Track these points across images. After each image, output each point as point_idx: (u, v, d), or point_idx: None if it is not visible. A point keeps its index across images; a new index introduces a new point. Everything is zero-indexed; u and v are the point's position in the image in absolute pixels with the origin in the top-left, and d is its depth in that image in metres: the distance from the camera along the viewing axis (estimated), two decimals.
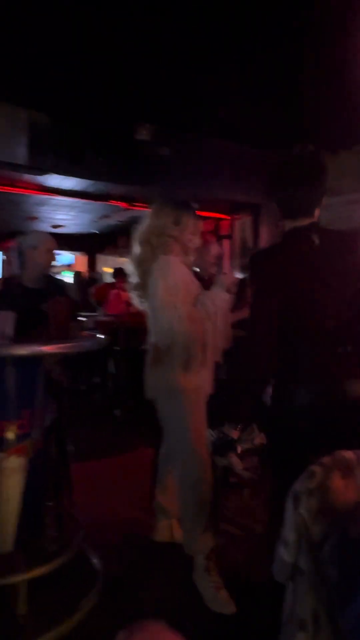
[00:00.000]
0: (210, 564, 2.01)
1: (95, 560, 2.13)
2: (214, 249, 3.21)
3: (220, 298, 2.05)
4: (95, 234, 9.11)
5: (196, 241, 2.09)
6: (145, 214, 2.14)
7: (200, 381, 1.99)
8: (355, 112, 3.60)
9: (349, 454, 1.20)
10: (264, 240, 4.79)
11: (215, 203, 4.90)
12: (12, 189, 4.95)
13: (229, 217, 5.41)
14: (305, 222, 1.59)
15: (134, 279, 2.12)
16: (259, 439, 1.53)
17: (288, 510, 1.04)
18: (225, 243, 5.40)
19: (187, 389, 1.98)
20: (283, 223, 1.62)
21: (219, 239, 5.40)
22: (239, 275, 3.70)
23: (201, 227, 2.15)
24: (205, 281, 2.99)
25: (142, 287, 2.07)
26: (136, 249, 2.08)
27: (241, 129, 4.03)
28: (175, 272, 1.97)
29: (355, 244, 1.62)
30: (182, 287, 1.96)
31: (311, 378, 1.50)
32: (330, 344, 1.48)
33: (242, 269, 3.51)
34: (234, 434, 1.51)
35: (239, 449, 1.52)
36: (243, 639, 1.77)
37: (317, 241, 1.55)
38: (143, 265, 2.04)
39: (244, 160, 4.46)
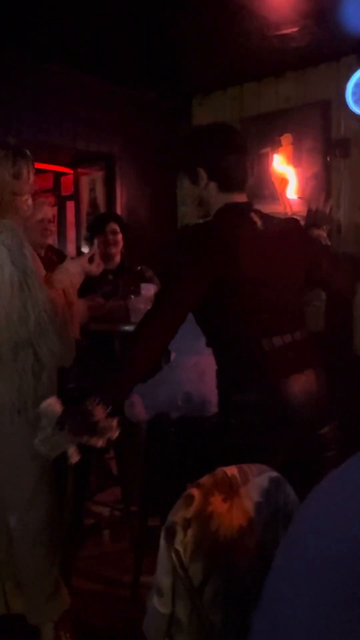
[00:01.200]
0: (62, 634, 2.02)
1: None
2: (48, 212, 3.15)
3: (74, 280, 2.08)
4: None
5: (30, 202, 2.06)
6: None
7: (44, 391, 1.97)
8: (230, 46, 3.81)
9: (231, 470, 1.29)
10: (122, 202, 4.84)
11: (54, 151, 4.80)
12: None
13: (73, 172, 5.35)
14: (240, 198, 1.82)
15: None
16: (114, 432, 1.61)
17: (161, 548, 1.08)
18: (69, 205, 5.34)
19: (26, 404, 1.94)
20: (212, 197, 1.82)
21: (60, 200, 5.32)
22: (88, 250, 3.71)
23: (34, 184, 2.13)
24: (41, 259, 2.93)
25: None
26: None
27: (92, 55, 3.99)
28: (23, 242, 1.93)
29: (294, 232, 1.92)
30: (32, 262, 1.92)
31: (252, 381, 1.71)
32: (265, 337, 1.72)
33: (89, 239, 3.52)
34: (98, 413, 1.56)
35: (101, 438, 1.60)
36: None
37: (259, 223, 1.80)
38: None
39: (94, 96, 4.44)
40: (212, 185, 1.81)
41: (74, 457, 1.58)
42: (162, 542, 1.08)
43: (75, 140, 4.48)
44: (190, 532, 1.09)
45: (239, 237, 1.72)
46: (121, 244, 3.41)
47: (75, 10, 3.38)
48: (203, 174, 1.81)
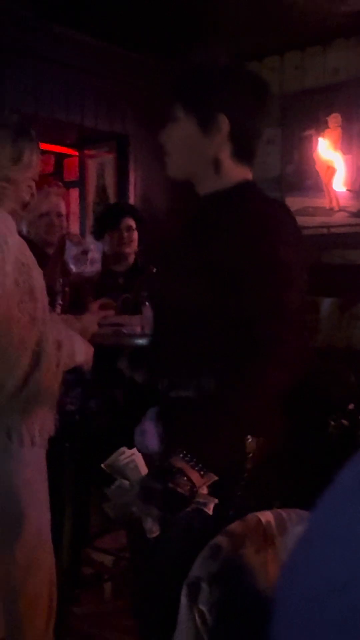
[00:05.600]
0: None
1: None
2: (55, 203, 3.18)
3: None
4: None
5: (34, 189, 2.09)
6: None
7: (39, 419, 1.99)
8: (268, 7, 3.82)
9: (266, 517, 1.30)
10: (136, 191, 4.86)
11: (57, 129, 4.85)
12: None
13: (79, 153, 5.39)
14: (250, 175, 1.66)
15: None
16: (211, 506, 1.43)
17: (182, 607, 1.09)
18: (72, 193, 5.38)
19: (21, 430, 1.97)
20: (225, 162, 1.61)
21: (64, 186, 5.38)
22: (94, 247, 3.73)
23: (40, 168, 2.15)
24: (46, 258, 2.95)
25: None
26: None
27: (103, 16, 4.03)
28: (7, 236, 1.94)
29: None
30: (14, 259, 1.94)
31: None
32: None
33: (97, 235, 3.53)
34: (193, 477, 1.39)
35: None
36: None
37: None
38: None
39: (105, 65, 4.47)
40: (228, 147, 1.59)
41: (154, 532, 1.41)
42: (184, 600, 1.09)
43: (82, 116, 4.52)
44: (216, 589, 1.09)
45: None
46: (136, 242, 3.41)
47: None
48: (225, 125, 1.56)
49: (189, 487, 1.37)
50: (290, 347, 1.47)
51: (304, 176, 4.43)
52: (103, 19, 4.08)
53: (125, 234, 3.37)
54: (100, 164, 5.16)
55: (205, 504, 1.40)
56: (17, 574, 1.99)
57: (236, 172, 1.62)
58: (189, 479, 1.37)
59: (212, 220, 1.60)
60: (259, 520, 1.28)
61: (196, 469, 1.39)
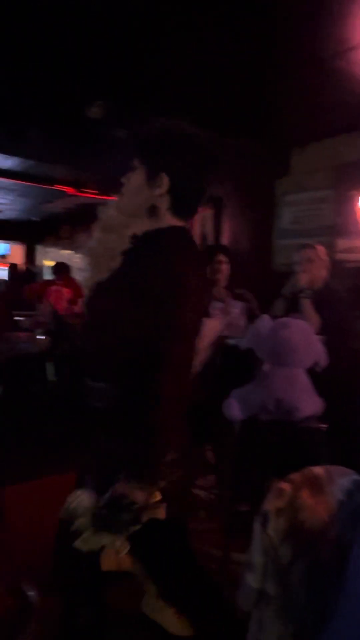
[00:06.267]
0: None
1: (31, 593, 2.09)
2: None
3: None
4: (34, 221, 8.92)
5: None
6: (104, 201, 2.15)
7: None
8: (327, 100, 3.74)
9: (318, 470, 1.26)
10: (227, 236, 4.87)
11: None
12: None
13: None
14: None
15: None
16: (161, 512, 1.17)
17: (256, 531, 1.07)
18: None
19: None
20: (161, 211, 1.39)
21: None
22: None
23: None
24: None
25: None
26: (105, 237, 2.07)
27: (204, 113, 4.08)
28: None
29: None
30: None
31: None
32: None
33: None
34: (137, 497, 1.13)
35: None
36: None
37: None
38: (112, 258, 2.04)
39: (205, 147, 4.53)
40: (167, 201, 1.39)
41: (124, 549, 1.19)
42: (257, 526, 1.07)
43: None
44: (281, 520, 1.07)
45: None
46: (226, 272, 3.43)
47: (191, 79, 3.50)
48: (164, 184, 1.37)
49: (135, 507, 1.14)
50: (183, 362, 1.25)
51: (350, 224, 4.28)
52: (213, 116, 4.13)
53: (216, 265, 3.40)
54: (202, 217, 5.21)
55: (156, 512, 1.18)
56: None
57: (171, 222, 1.41)
58: (133, 501, 1.14)
59: (135, 254, 1.39)
60: (313, 472, 1.25)
61: (137, 487, 1.15)
